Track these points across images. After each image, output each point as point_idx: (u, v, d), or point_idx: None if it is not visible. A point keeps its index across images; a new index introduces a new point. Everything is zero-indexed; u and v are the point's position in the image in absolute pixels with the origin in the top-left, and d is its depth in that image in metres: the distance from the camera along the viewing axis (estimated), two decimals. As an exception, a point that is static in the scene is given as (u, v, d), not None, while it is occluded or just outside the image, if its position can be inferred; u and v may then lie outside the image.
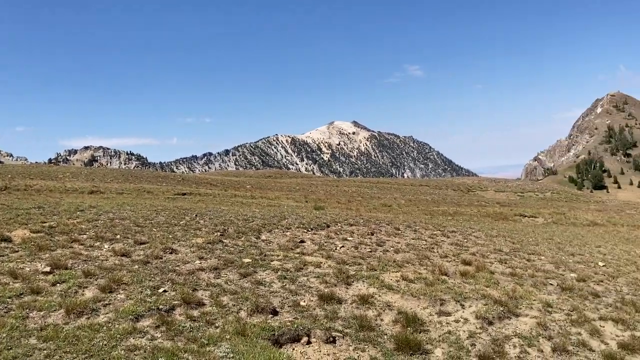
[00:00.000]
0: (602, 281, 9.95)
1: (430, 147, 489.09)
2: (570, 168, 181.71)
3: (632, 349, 6.55)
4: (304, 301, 7.11)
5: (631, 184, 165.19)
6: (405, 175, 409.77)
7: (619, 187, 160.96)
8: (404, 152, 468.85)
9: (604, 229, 23.76)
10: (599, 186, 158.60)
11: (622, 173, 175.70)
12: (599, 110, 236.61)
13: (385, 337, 6.32)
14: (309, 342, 6.04)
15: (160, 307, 6.28)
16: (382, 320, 6.84)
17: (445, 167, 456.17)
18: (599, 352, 6.38)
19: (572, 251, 13.09)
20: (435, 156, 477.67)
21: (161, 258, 8.51)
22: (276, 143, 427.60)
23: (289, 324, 6.26)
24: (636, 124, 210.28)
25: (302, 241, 10.87)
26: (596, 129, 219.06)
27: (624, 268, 11.59)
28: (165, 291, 6.85)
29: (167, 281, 7.28)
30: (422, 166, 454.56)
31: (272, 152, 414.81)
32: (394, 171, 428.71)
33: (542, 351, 6.27)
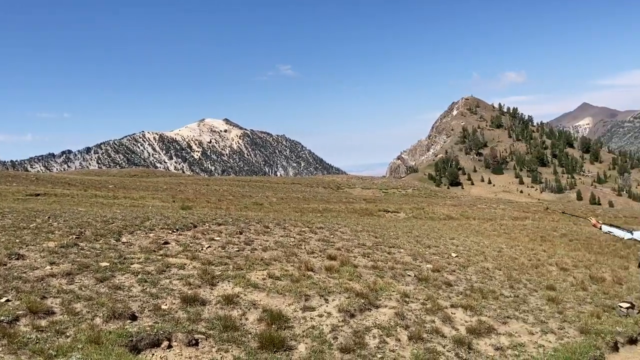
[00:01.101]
0: (454, 271, 10.72)
1: (302, 146, 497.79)
2: (429, 166, 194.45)
3: (478, 332, 7.11)
4: (166, 304, 6.84)
5: (482, 180, 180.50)
6: (278, 173, 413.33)
7: (472, 184, 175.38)
8: (276, 151, 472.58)
9: (458, 223, 25.68)
10: (455, 183, 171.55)
11: (475, 171, 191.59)
12: (454, 112, 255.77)
13: (249, 336, 6.26)
14: (169, 346, 5.82)
15: (2, 318, 5.70)
16: (247, 319, 6.77)
17: (317, 165, 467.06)
18: (450, 338, 6.83)
19: (429, 243, 13.97)
20: (307, 155, 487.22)
21: (5, 265, 7.74)
22: (143, 140, 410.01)
23: (148, 328, 5.98)
24: (486, 125, 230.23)
25: (166, 242, 10.48)
26: (452, 130, 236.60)
27: (474, 258, 12.59)
28: (8, 300, 6.23)
29: (11, 290, 6.62)
30: (295, 164, 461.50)
31: (139, 150, 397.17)
32: (267, 169, 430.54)
33: (399, 340, 6.58)
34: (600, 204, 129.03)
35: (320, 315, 7.02)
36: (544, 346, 6.98)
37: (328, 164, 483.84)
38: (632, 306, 8.70)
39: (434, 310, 7.65)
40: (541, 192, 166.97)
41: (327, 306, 7.34)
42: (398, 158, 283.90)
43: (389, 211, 30.26)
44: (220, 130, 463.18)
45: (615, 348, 7.41)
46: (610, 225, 8.30)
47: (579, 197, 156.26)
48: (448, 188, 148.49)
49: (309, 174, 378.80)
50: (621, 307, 8.70)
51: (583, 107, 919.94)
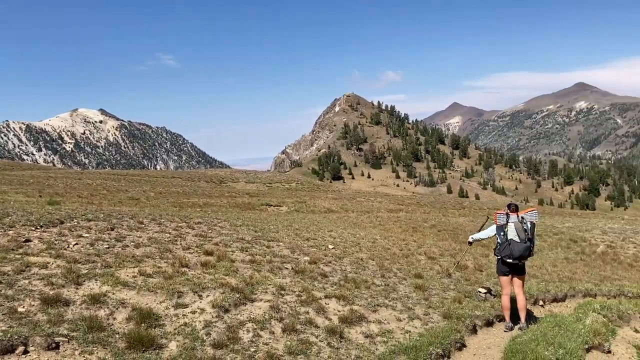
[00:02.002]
0: (330, 262, 11.00)
1: (184, 139, 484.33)
2: (313, 161, 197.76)
3: (350, 321, 7.35)
4: (24, 307, 6.33)
5: (363, 175, 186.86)
6: (158, 167, 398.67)
7: (353, 178, 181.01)
8: (156, 143, 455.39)
9: (337, 215, 26.41)
10: (337, 177, 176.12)
11: (356, 165, 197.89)
12: (337, 109, 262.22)
13: (117, 336, 5.97)
14: (25, 352, 5.38)
15: None
16: (114, 319, 6.46)
17: (200, 159, 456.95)
18: (323, 328, 6.99)
19: (308, 236, 14.22)
20: (189, 148, 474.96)
21: None
22: (7, 130, 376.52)
23: (1, 334, 5.51)
24: (366, 122, 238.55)
25: (28, 240, 9.71)
26: (335, 125, 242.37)
27: (350, 249, 13.01)
28: None
29: None
30: (176, 158, 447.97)
31: (2, 140, 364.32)
32: (146, 163, 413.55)
33: (273, 333, 6.62)
34: (467, 197, 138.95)
35: (194, 312, 6.87)
36: (410, 332, 7.36)
37: (211, 157, 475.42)
38: (490, 291, 9.46)
39: (308, 302, 7.79)
40: (415, 186, 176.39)
41: (200, 302, 7.20)
42: (283, 152, 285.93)
43: (271, 205, 30.37)
44: (95, 121, 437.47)
45: (474, 331, 8.01)
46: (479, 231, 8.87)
47: (449, 191, 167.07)
48: (330, 182, 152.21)
49: (190, 167, 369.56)
50: (480, 292, 9.42)
51: (453, 107, 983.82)
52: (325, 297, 8.19)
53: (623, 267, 17.13)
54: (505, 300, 8.13)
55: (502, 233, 7.92)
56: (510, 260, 7.86)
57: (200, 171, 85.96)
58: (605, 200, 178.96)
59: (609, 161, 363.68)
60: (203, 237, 12.01)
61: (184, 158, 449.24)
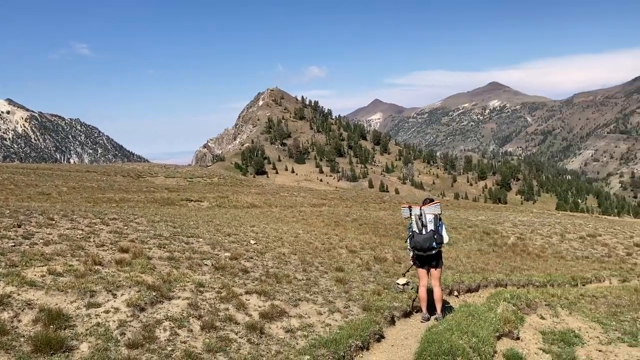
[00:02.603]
0: (252, 258, 10.89)
1: (99, 132, 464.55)
2: (236, 155, 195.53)
3: (271, 317, 7.30)
4: None
5: (287, 169, 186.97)
6: (71, 161, 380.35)
7: (277, 173, 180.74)
8: (70, 136, 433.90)
9: (261, 210, 26.25)
10: (261, 172, 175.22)
11: (280, 160, 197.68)
12: (260, 103, 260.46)
13: (22, 339, 5.61)
14: None
15: None
16: (20, 321, 6.07)
17: (116, 152, 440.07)
18: (243, 324, 6.90)
19: (229, 232, 14.02)
20: (105, 141, 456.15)
21: None
22: None
23: None
24: (290, 117, 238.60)
25: None
26: (258, 119, 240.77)
27: (272, 244, 12.95)
28: None
29: None
30: (91, 151, 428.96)
31: None
32: (58, 156, 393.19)
33: (191, 331, 6.45)
34: (388, 191, 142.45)
35: (107, 312, 6.58)
36: (330, 325, 7.41)
37: (129, 151, 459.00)
38: (408, 283, 9.70)
39: (228, 298, 7.67)
40: (338, 181, 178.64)
41: (115, 301, 6.90)
42: (204, 146, 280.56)
43: (192, 200, 29.72)
44: (2, 112, 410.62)
45: (392, 322, 8.19)
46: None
47: (371, 185, 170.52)
48: (254, 177, 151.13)
49: (107, 161, 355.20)
50: (398, 284, 9.65)
51: (375, 103, 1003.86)
52: (246, 293, 8.09)
53: (531, 258, 18.15)
54: (422, 292, 8.37)
55: (409, 226, 8.21)
56: (416, 252, 8.13)
57: (117, 165, 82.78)
58: (516, 195, 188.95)
59: (520, 157, 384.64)
60: (118, 233, 11.54)
61: (99, 151, 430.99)
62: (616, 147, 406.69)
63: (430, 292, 8.47)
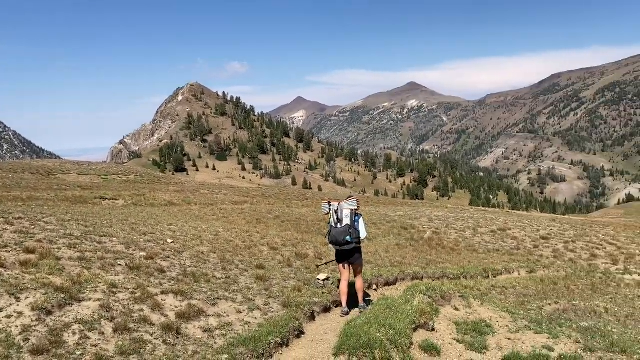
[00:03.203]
0: (169, 257, 10.57)
1: (5, 126, 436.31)
2: (154, 152, 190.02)
3: (188, 317, 7.12)
4: None
5: (207, 167, 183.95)
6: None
7: (198, 170, 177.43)
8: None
9: (179, 208, 25.60)
10: (180, 169, 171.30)
11: (200, 157, 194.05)
12: (180, 98, 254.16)
13: None
14: None
15: None
16: None
17: (24, 148, 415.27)
18: (159, 325, 6.68)
19: (145, 230, 13.55)
20: (12, 136, 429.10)
21: None
22: None
23: None
24: (211, 113, 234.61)
25: None
26: (177, 115, 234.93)
27: (190, 243, 12.64)
28: None
29: None
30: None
31: None
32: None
33: (103, 333, 6.17)
34: (311, 188, 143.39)
35: (9, 316, 6.16)
36: (250, 323, 7.33)
37: (38, 147, 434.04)
38: (328, 278, 9.77)
39: (143, 299, 7.40)
40: (261, 178, 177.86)
41: (18, 305, 6.47)
42: (120, 143, 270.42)
43: (106, 198, 28.52)
44: None
45: (312, 317, 8.21)
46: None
47: (294, 183, 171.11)
48: (173, 174, 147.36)
49: (14, 158, 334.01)
50: (318, 279, 9.69)
51: (298, 101, 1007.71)
52: (162, 293, 7.85)
53: (446, 251, 18.82)
54: (343, 286, 8.53)
55: (329, 221, 8.39)
56: (334, 246, 8.33)
57: (24, 162, 78.06)
58: (433, 191, 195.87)
59: (436, 155, 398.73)
60: (24, 233, 10.85)
61: (5, 147, 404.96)
62: (525, 145, 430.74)
63: (351, 286, 8.63)
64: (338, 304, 8.80)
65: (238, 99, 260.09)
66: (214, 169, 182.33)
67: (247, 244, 13.52)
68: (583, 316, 10.54)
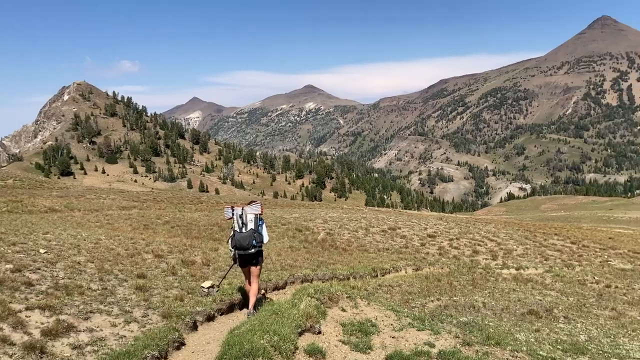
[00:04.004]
0: (39, 269, 9.76)
1: None
2: (37, 154, 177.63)
3: (55, 333, 6.58)
4: None
5: (97, 170, 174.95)
6: None
7: (86, 173, 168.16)
8: None
9: (60, 215, 23.92)
10: (67, 172, 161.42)
11: (89, 160, 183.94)
12: (66, 97, 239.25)
13: None
14: None
15: None
16: None
17: None
18: (21, 345, 6.11)
19: (15, 240, 12.45)
20: None
21: None
22: None
23: None
24: (100, 113, 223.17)
25: None
26: (63, 115, 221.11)
27: (66, 252, 11.77)
28: None
29: None
30: None
31: None
32: None
33: (-51, 360, 5.51)
34: (208, 191, 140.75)
35: None
36: (125, 337, 6.91)
37: None
38: (213, 286, 9.46)
39: (3, 317, 6.74)
40: (155, 181, 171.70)
41: None
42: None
43: (-24, 205, 26.07)
44: None
45: (194, 327, 7.89)
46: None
47: (190, 186, 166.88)
48: (58, 178, 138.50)
49: None
50: (203, 287, 9.36)
51: (194, 102, 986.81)
52: (27, 309, 7.19)
53: (338, 252, 19.07)
54: (247, 288, 8.75)
55: (232, 226, 8.52)
56: (237, 251, 8.42)
57: None
58: (330, 192, 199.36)
59: (333, 157, 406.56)
60: None
61: None
62: (416, 147, 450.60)
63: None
64: (223, 312, 8.58)
65: (129, 99, 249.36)
66: (104, 172, 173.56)
67: (129, 252, 12.82)
68: (463, 311, 11.04)
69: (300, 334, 7.46)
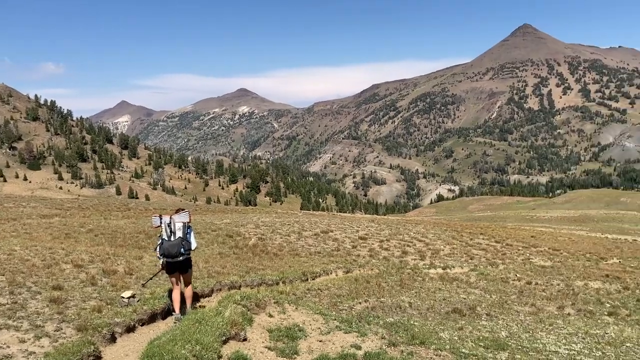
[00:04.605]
0: (-58, 283, 9.07)
1: None
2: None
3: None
4: None
5: (17, 177, 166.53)
6: None
7: (5, 181, 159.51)
8: None
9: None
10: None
11: (9, 166, 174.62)
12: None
13: None
14: None
15: None
16: None
17: None
18: None
19: None
20: None
21: None
22: None
23: None
24: (21, 117, 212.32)
25: None
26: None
27: (-25, 265, 11.02)
28: None
29: None
30: None
31: None
32: None
33: None
34: (137, 198, 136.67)
35: None
36: (35, 353, 6.53)
37: None
38: (134, 295, 9.11)
39: None
40: (81, 188, 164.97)
41: None
42: None
43: None
44: None
45: (112, 339, 7.56)
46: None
47: (119, 192, 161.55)
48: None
49: None
50: (123, 297, 8.99)
51: (122, 105, 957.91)
52: None
53: (269, 257, 18.91)
54: (175, 294, 8.76)
55: (160, 234, 8.60)
56: (166, 259, 8.49)
57: None
58: (265, 197, 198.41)
59: (268, 161, 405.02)
60: None
61: None
62: (350, 151, 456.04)
63: (183, 294, 8.91)
64: (144, 322, 8.28)
65: (53, 102, 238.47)
66: (26, 179, 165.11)
67: (46, 263, 12.16)
68: (390, 312, 11.18)
69: (225, 342, 7.31)
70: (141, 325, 8.28)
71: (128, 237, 20.07)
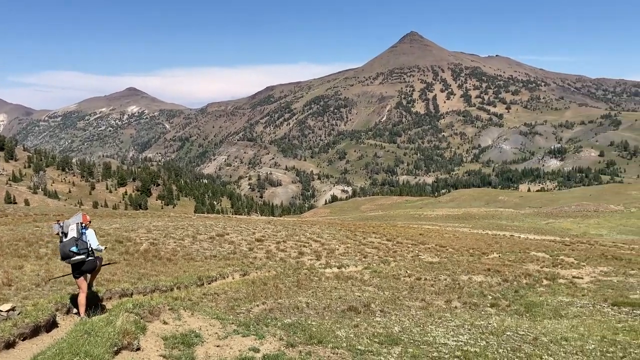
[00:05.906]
0: None
1: None
2: None
3: None
4: None
5: None
6: None
7: None
8: None
9: None
10: None
11: None
12: None
13: None
14: None
15: None
16: None
17: None
18: None
19: None
20: None
21: None
22: None
23: None
24: None
25: None
26: None
27: None
28: None
29: None
30: None
31: None
32: None
33: None
34: (16, 203, 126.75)
35: None
36: None
37: None
38: (14, 308, 8.47)
39: None
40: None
41: None
42: None
43: None
44: None
45: (-13, 357, 6.99)
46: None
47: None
48: None
49: None
50: (1, 310, 8.33)
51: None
52: None
53: (162, 262, 18.32)
54: (81, 298, 8.76)
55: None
56: (64, 261, 8.61)
57: None
58: (157, 200, 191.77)
59: (160, 163, 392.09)
60: None
61: None
62: (245, 153, 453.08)
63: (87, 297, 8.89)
64: (25, 337, 7.72)
65: None
66: None
67: None
68: (287, 313, 11.27)
69: (117, 352, 7.01)
70: (22, 340, 7.70)
71: (6, 246, 18.56)
